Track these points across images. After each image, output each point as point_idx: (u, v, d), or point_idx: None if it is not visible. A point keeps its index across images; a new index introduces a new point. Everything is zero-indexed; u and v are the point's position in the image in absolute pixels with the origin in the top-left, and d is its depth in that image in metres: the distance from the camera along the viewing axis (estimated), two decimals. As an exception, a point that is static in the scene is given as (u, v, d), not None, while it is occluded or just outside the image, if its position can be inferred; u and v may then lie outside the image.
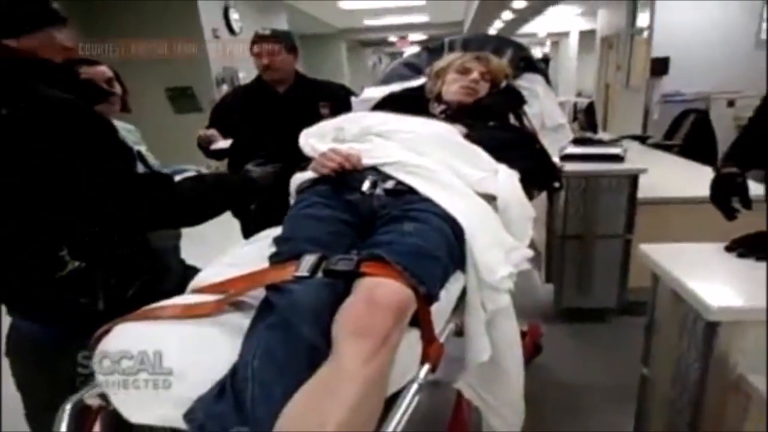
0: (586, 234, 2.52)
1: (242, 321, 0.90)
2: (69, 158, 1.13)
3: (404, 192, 1.17)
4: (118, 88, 1.60)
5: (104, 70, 1.59)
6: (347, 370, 0.73)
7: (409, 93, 1.81)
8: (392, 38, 14.31)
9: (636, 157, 2.82)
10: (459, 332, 1.20)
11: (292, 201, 1.37)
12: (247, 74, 5.18)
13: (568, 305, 2.69)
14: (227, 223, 2.22)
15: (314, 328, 0.81)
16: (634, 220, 2.46)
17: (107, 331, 0.89)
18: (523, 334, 2.25)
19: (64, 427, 0.80)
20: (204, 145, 2.06)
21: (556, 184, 1.59)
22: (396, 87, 1.93)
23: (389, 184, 1.20)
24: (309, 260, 0.92)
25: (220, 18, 5.34)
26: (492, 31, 11.69)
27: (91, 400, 0.81)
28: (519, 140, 1.57)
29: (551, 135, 1.78)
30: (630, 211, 2.45)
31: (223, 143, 2.01)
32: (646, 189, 2.48)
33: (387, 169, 1.22)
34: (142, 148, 1.76)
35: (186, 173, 1.65)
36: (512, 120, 1.70)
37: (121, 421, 0.78)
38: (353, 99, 2.00)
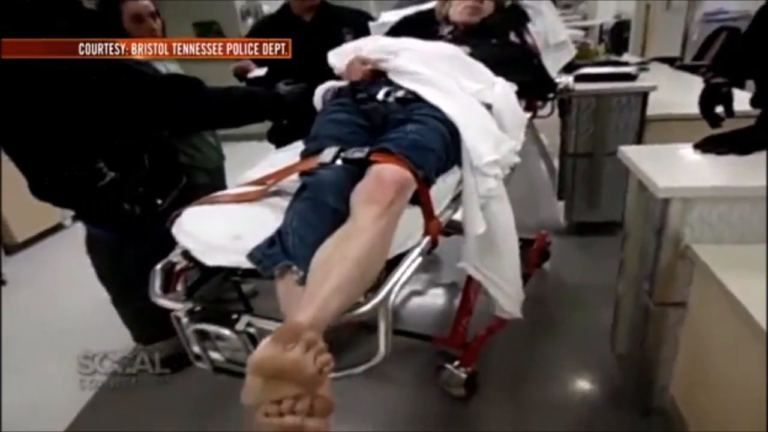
0: (596, 152, 2.65)
1: (282, 203, 1.18)
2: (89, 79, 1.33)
3: (412, 100, 1.38)
4: (159, 23, 1.80)
5: (147, 4, 1.77)
6: (360, 226, 0.99)
7: (421, 17, 1.97)
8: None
9: (657, 78, 2.85)
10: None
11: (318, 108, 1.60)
12: (270, 7, 5.23)
13: (578, 219, 2.87)
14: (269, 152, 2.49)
15: (336, 197, 1.07)
16: (642, 138, 2.56)
17: (179, 214, 1.18)
18: (532, 242, 2.48)
19: (158, 282, 1.10)
20: (241, 74, 2.28)
21: (550, 95, 1.74)
22: (410, 11, 2.08)
23: (400, 93, 1.41)
24: (331, 151, 1.19)
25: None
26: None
27: (176, 258, 1.13)
28: (518, 56, 1.73)
29: (554, 53, 1.90)
30: (639, 129, 2.55)
31: (259, 71, 2.22)
32: (659, 108, 2.55)
33: (397, 78, 1.43)
34: None
35: None
36: (513, 38, 1.83)
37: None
38: (371, 24, 2.16)
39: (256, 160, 1.53)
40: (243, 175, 1.43)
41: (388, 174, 1.09)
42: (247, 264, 1.02)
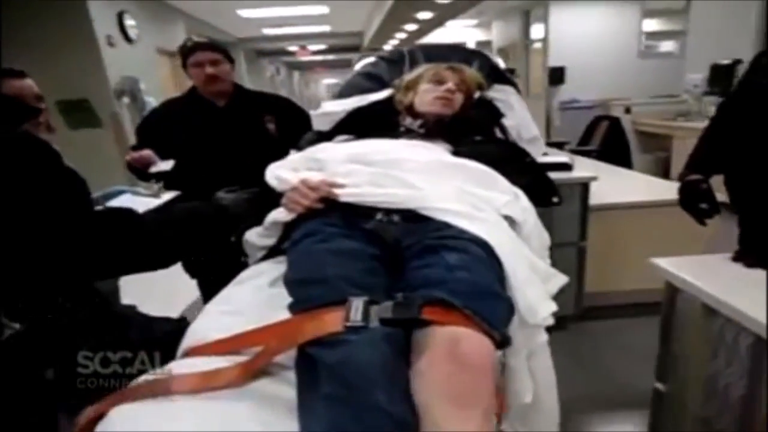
0: (544, 242, 2.52)
1: (278, 389, 0.73)
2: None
3: (424, 216, 1.03)
4: (44, 104, 1.31)
5: (32, 84, 1.31)
6: None
7: (377, 107, 1.66)
8: (292, 48, 14.01)
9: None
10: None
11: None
12: (147, 85, 4.71)
13: (529, 314, 2.68)
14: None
15: (388, 392, 0.66)
16: (587, 228, 2.49)
17: (100, 417, 0.67)
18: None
19: None
20: (139, 167, 1.75)
21: (555, 199, 1.51)
22: (357, 99, 1.77)
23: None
24: (358, 306, 0.75)
25: (114, 24, 4.82)
26: (394, 41, 11.86)
27: None
28: (511, 154, 1.49)
29: (528, 147, 1.71)
30: (583, 219, 2.49)
31: (163, 165, 1.73)
32: (597, 197, 2.50)
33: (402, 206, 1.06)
34: None
35: (123, 195, 1.39)
36: (498, 133, 1.62)
37: None
38: (312, 113, 1.81)
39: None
40: (191, 331, 0.92)
41: (471, 351, 0.72)
42: None
